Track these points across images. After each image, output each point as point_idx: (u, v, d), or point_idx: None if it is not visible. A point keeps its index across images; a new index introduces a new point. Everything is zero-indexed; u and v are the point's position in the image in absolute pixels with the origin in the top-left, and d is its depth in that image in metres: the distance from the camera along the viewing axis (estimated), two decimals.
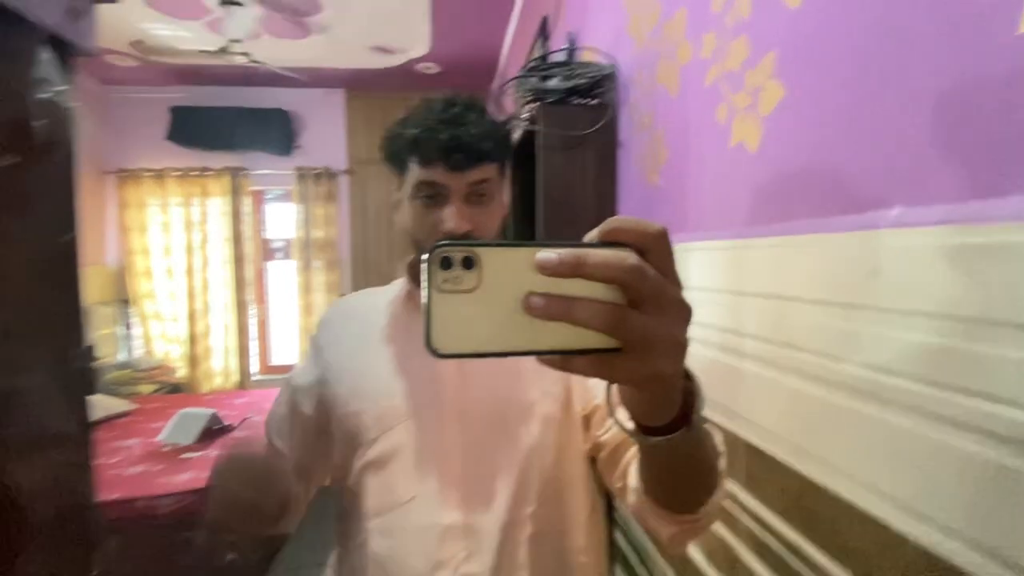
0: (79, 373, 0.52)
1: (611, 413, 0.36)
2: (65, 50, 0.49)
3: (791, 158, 0.69)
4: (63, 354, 0.49)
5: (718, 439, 0.47)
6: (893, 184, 0.53)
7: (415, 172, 0.63)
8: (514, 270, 0.26)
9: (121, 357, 3.63)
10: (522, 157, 1.71)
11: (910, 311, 0.51)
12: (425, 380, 0.66)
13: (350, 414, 0.67)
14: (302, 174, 3.99)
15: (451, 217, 0.61)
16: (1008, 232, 0.42)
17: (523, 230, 1.72)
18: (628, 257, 0.26)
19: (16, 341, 0.42)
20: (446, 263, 0.26)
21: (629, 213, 1.33)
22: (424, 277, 0.26)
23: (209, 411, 2.60)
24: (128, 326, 3.75)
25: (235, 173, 3.92)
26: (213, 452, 2.38)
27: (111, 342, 3.56)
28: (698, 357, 0.94)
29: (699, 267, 0.93)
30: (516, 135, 1.60)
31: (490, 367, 0.66)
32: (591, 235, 0.28)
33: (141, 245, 3.74)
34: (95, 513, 0.48)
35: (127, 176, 3.72)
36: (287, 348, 4.14)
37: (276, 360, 4.20)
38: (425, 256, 0.26)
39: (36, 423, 0.42)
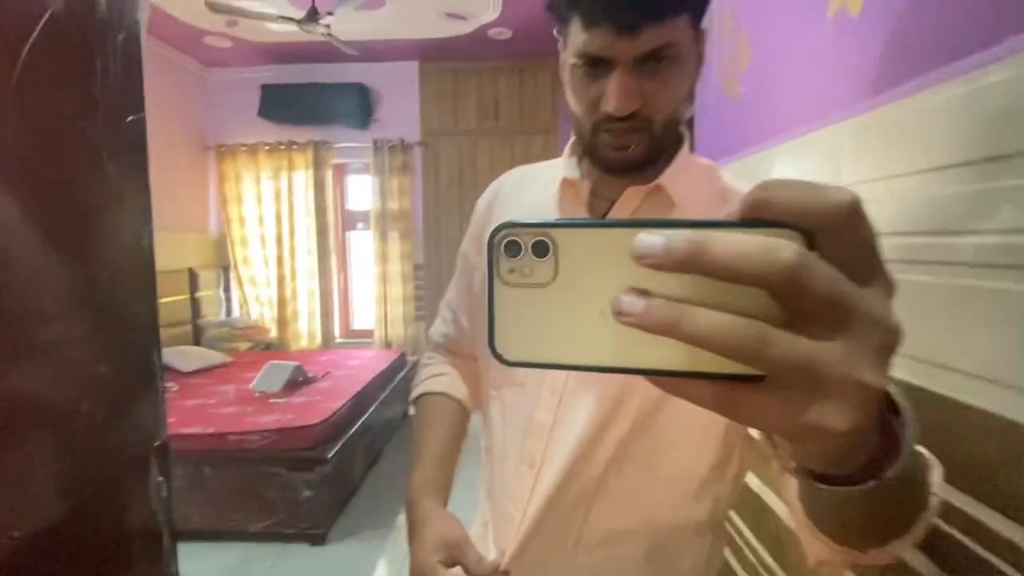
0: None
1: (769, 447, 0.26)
2: None
3: (900, 11, 0.57)
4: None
5: (935, 475, 0.34)
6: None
7: (576, 32, 0.49)
8: (603, 259, 0.19)
9: (221, 316, 4.00)
10: None
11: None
12: None
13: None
14: (378, 146, 4.12)
15: (615, 93, 0.47)
16: None
17: None
18: (783, 248, 0.16)
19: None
20: (514, 249, 0.20)
21: (711, 134, 1.21)
22: (487, 265, 0.21)
23: (294, 364, 2.79)
24: (227, 289, 4.12)
25: (318, 147, 4.14)
26: (297, 399, 2.56)
27: (213, 303, 3.93)
28: None
29: (790, 169, 0.81)
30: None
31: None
32: (732, 209, 0.19)
33: (237, 215, 4.08)
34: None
35: (225, 151, 4.05)
36: (366, 313, 4.35)
37: (356, 324, 4.44)
38: (488, 237, 0.20)
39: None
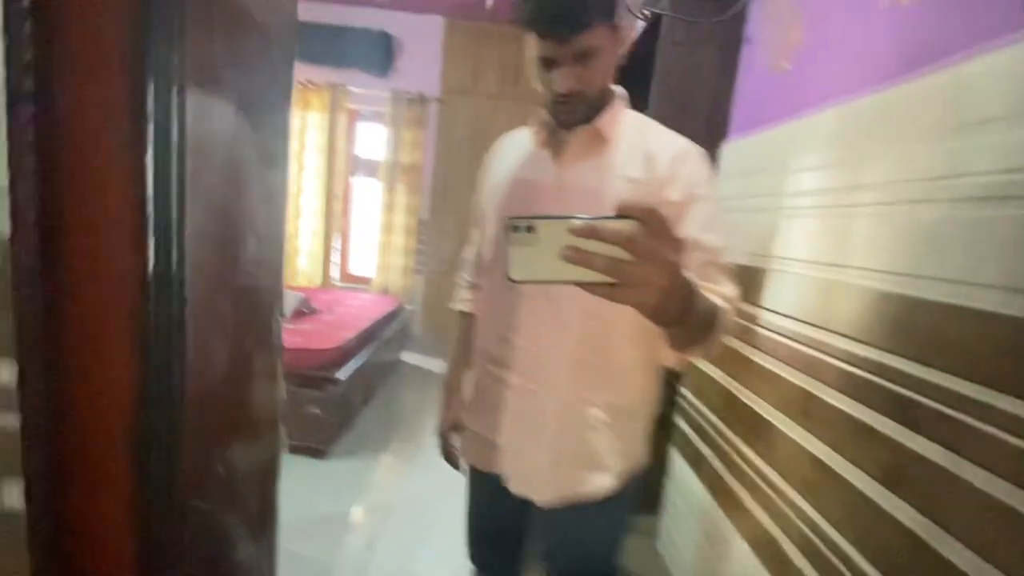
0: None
1: None
2: None
3: (943, 2, 0.71)
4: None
5: (727, 319, 0.67)
6: None
7: (531, 40, 0.73)
8: (558, 233, 0.42)
9: None
10: (637, 59, 1.74)
11: None
12: (531, 192, 0.82)
13: (489, 211, 0.88)
14: (396, 97, 4.14)
15: (560, 80, 0.72)
16: None
17: None
18: (625, 228, 0.41)
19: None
20: (519, 228, 0.43)
21: (749, 106, 1.35)
22: (505, 236, 0.43)
23: (300, 295, 2.87)
24: None
25: (336, 89, 4.13)
26: (303, 326, 2.65)
27: None
28: (806, 221, 0.99)
29: (827, 132, 0.96)
30: (635, 32, 1.62)
31: (571, 204, 0.78)
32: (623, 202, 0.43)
33: None
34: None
35: None
36: (365, 260, 4.41)
37: (354, 270, 4.50)
38: (506, 223, 0.43)
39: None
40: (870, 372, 0.77)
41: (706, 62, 1.40)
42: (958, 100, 0.68)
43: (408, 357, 3.96)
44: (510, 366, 0.82)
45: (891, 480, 0.71)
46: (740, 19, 1.36)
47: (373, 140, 4.41)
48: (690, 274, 0.49)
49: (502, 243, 0.82)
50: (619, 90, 0.80)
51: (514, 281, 0.44)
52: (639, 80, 1.60)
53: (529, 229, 0.43)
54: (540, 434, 0.80)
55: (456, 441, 0.98)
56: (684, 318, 0.51)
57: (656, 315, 0.48)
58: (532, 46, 0.72)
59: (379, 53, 4.06)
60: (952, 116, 0.68)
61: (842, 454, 0.81)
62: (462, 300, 1.02)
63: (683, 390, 1.53)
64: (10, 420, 0.33)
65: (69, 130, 0.30)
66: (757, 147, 1.26)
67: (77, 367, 0.32)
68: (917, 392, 0.68)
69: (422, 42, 4.13)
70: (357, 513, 2.02)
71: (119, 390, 0.33)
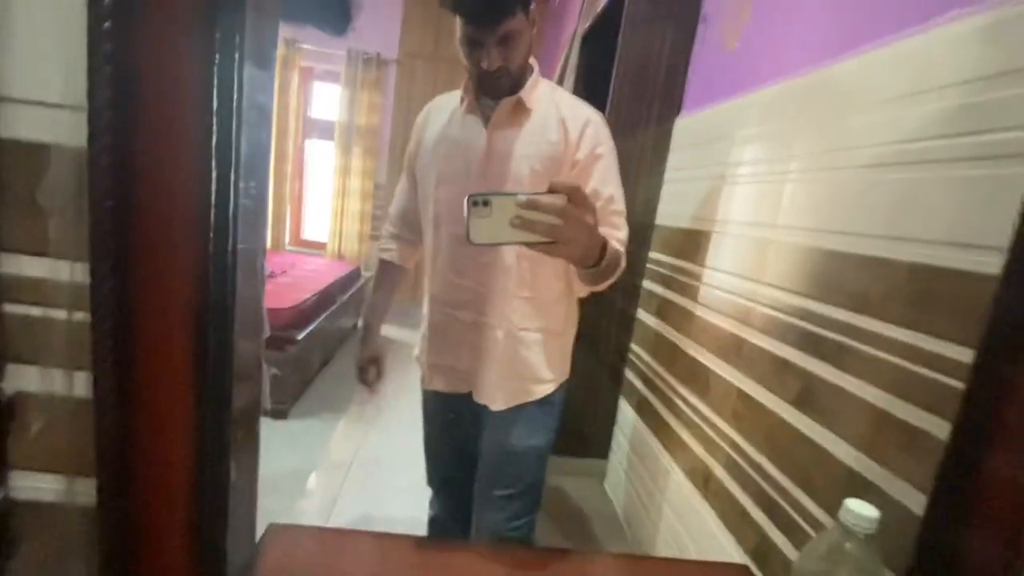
0: None
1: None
2: None
3: None
4: None
5: (623, 263, 0.88)
6: None
7: (461, 24, 0.83)
8: (508, 205, 0.56)
9: None
10: (601, 35, 1.81)
11: (945, 85, 0.66)
12: (465, 154, 0.94)
13: (426, 172, 1.00)
14: (353, 57, 4.02)
15: (486, 58, 0.84)
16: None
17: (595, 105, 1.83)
18: (558, 201, 0.58)
19: None
20: (477, 202, 0.56)
21: (701, 82, 1.46)
22: (466, 208, 0.56)
23: None
24: None
25: (288, 44, 3.95)
26: None
27: None
28: (745, 188, 1.12)
29: (768, 107, 1.08)
30: (601, 7, 1.69)
31: (501, 162, 0.92)
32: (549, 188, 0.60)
33: None
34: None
35: None
36: (318, 225, 4.32)
37: (307, 235, 4.40)
38: (467, 198, 0.56)
39: None
40: (791, 315, 0.91)
41: (665, 38, 1.49)
42: (872, 79, 0.80)
43: None
44: (464, 306, 0.98)
45: (801, 402, 0.85)
46: None
47: (328, 101, 4.27)
48: (602, 229, 0.70)
49: (444, 202, 0.96)
50: (533, 63, 0.94)
51: (474, 244, 0.57)
52: (604, 53, 1.68)
53: (485, 203, 0.56)
54: (493, 356, 0.97)
55: (372, 372, 1.18)
56: (598, 263, 0.72)
57: (581, 263, 0.70)
58: (459, 28, 0.83)
59: (336, 10, 3.90)
60: (864, 93, 0.80)
61: (764, 385, 0.96)
62: (386, 250, 1.14)
63: (633, 345, 1.66)
64: (82, 317, 0.38)
65: (144, 68, 0.35)
66: (707, 121, 1.38)
67: (142, 272, 0.37)
68: (825, 328, 0.82)
69: (381, 2, 4.00)
70: (317, 471, 2.07)
71: (180, 295, 0.38)
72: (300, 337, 2.33)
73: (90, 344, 0.38)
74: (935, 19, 0.70)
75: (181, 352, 0.39)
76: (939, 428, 0.61)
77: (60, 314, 0.39)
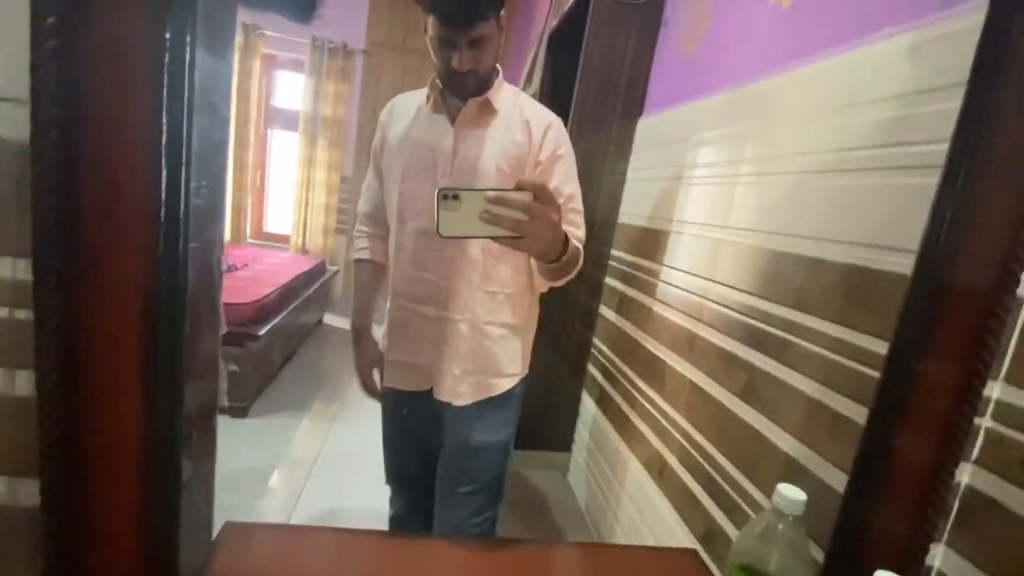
0: None
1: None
2: None
3: (814, 7, 0.88)
4: None
5: (580, 260, 0.88)
6: (882, 14, 0.73)
7: (434, 24, 0.85)
8: (477, 200, 0.58)
9: None
10: (568, 35, 1.83)
11: (876, 99, 0.71)
12: (433, 152, 0.95)
13: (391, 168, 1.00)
14: (318, 45, 3.92)
15: (457, 59, 0.86)
16: (944, 26, 0.62)
17: (558, 102, 1.86)
18: (526, 198, 0.60)
19: None
20: (448, 196, 0.57)
21: (661, 86, 1.50)
22: (436, 201, 0.57)
23: None
24: None
25: (248, 30, 3.82)
26: None
27: None
28: (704, 191, 1.16)
29: (722, 113, 1.12)
30: (567, 7, 1.71)
31: (467, 160, 0.93)
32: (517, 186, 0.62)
33: None
34: None
35: None
36: (281, 218, 4.21)
37: (270, 227, 4.28)
38: (437, 192, 0.57)
39: None
40: (738, 312, 0.96)
41: (628, 41, 1.53)
42: (815, 91, 0.85)
43: (330, 320, 3.90)
44: (427, 300, 0.98)
45: (746, 394, 0.90)
46: (659, 4, 1.49)
47: (293, 90, 4.15)
48: (564, 227, 0.71)
49: (409, 197, 0.97)
50: (498, 67, 0.97)
51: (443, 236, 0.59)
52: (571, 52, 1.70)
53: (455, 197, 0.58)
54: (456, 350, 0.98)
55: (375, 378, 1.11)
56: (559, 259, 0.75)
57: (544, 257, 0.74)
58: (432, 27, 0.85)
59: None
60: (808, 103, 0.85)
61: (714, 378, 1.00)
62: (362, 249, 1.13)
63: (595, 340, 1.71)
64: (24, 315, 0.37)
65: (91, 61, 0.34)
66: (665, 124, 1.42)
67: (88, 270, 0.37)
68: (769, 324, 0.87)
69: None
70: (280, 469, 2.03)
71: (128, 294, 0.38)
72: (261, 333, 2.28)
73: (33, 343, 0.37)
74: (869, 36, 0.75)
75: (129, 352, 0.39)
76: (862, 416, 0.66)
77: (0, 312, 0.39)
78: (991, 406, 0.53)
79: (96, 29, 0.36)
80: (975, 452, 0.54)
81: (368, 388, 1.12)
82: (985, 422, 0.54)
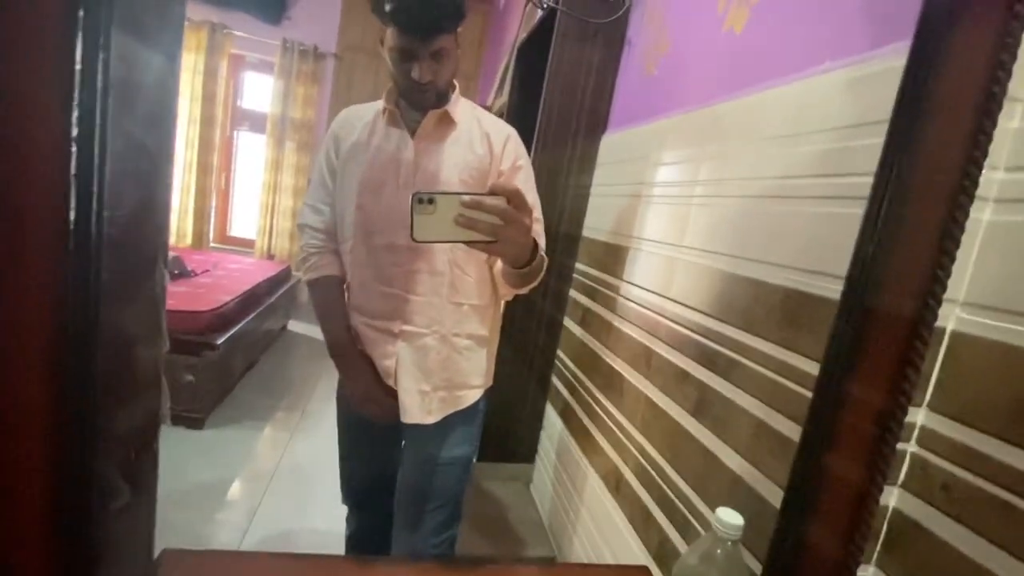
0: None
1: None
2: None
3: (764, 35, 0.91)
4: None
5: (544, 267, 0.87)
6: (823, 48, 0.76)
7: (393, 34, 0.84)
8: (452, 204, 0.59)
9: None
10: (536, 47, 1.85)
11: (816, 130, 0.74)
12: (393, 164, 0.94)
13: (346, 181, 0.98)
14: (288, 47, 3.86)
15: (418, 71, 0.86)
16: (876, 64, 0.65)
17: (526, 113, 1.87)
18: (500, 202, 0.61)
19: None
20: (422, 200, 0.58)
21: (624, 103, 1.52)
22: (411, 205, 0.58)
23: (173, 255, 2.64)
24: None
25: (215, 29, 3.73)
26: (177, 289, 2.45)
27: None
28: (666, 207, 1.18)
29: (679, 133, 1.15)
30: (535, 21, 1.72)
31: (429, 172, 0.93)
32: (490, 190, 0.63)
33: None
34: None
35: None
36: (246, 222, 4.11)
37: (234, 231, 4.17)
38: (412, 196, 0.58)
39: None
40: (691, 330, 0.98)
41: (592, 58, 1.55)
42: (762, 118, 0.87)
43: (295, 326, 3.81)
44: (392, 315, 0.96)
45: (697, 411, 0.92)
46: (624, 22, 1.52)
47: (261, 92, 4.07)
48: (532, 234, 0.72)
49: (370, 211, 0.94)
50: (454, 81, 0.97)
51: (417, 241, 0.59)
52: (539, 65, 1.71)
53: (430, 201, 0.58)
54: (426, 366, 0.96)
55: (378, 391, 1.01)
56: (530, 263, 0.77)
57: (515, 261, 0.75)
58: (392, 38, 0.85)
59: None
60: (756, 130, 0.88)
61: (668, 395, 1.02)
62: (323, 266, 1.03)
63: (560, 352, 1.71)
64: None
65: None
66: (627, 141, 1.45)
67: None
68: (719, 343, 0.88)
69: None
70: (237, 482, 1.97)
71: (32, 326, 0.36)
72: (219, 342, 2.21)
73: None
74: (811, 68, 0.78)
75: (35, 383, 0.37)
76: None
77: None
78: (916, 432, 0.55)
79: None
80: (901, 476, 0.56)
81: (375, 413, 1.00)
82: (911, 447, 0.56)
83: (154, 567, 0.71)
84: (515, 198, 0.62)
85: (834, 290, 0.65)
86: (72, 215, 0.36)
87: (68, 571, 0.44)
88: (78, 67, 0.35)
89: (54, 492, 0.40)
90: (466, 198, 0.59)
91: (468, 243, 0.62)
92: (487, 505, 1.72)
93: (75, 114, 0.35)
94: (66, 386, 0.39)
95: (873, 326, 0.51)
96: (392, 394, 0.97)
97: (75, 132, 0.35)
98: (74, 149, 0.36)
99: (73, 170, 0.36)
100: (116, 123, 0.39)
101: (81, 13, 0.34)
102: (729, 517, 0.58)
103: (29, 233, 0.35)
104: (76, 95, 0.35)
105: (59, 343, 0.37)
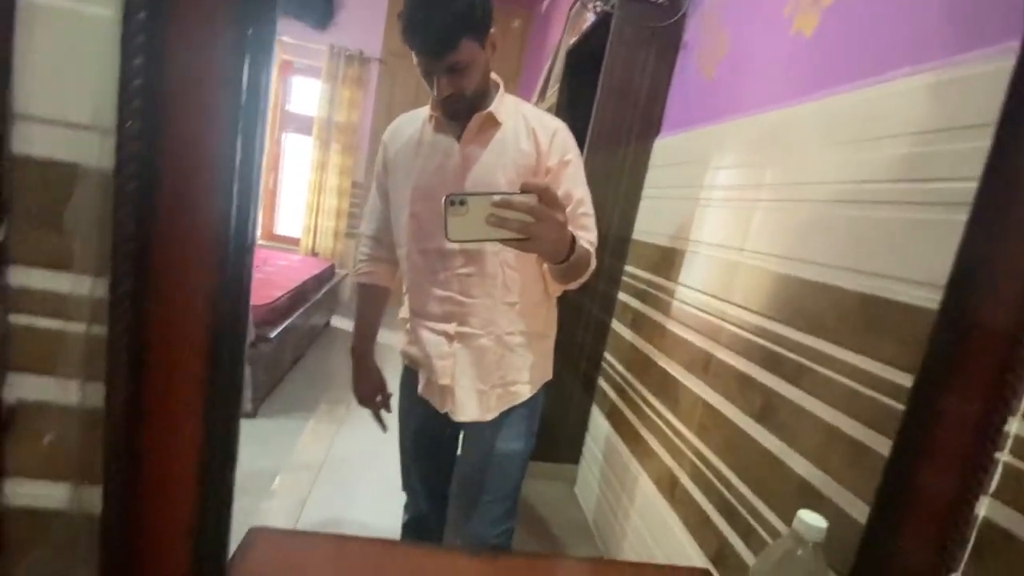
0: None
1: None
2: None
3: (837, 39, 0.90)
4: None
5: (593, 262, 0.93)
6: (902, 52, 0.75)
7: (414, 53, 0.86)
8: (484, 204, 0.60)
9: None
10: (588, 50, 1.86)
11: (897, 134, 0.73)
12: (438, 175, 0.96)
13: (398, 190, 1.02)
14: (335, 52, 3.98)
15: (437, 88, 0.88)
16: (963, 69, 0.64)
17: (576, 116, 1.89)
18: (531, 200, 0.62)
19: None
20: (455, 202, 0.59)
21: (680, 107, 1.52)
22: (444, 207, 0.59)
23: None
24: None
25: None
26: None
27: None
28: (720, 211, 1.18)
29: (742, 137, 1.14)
30: (587, 26, 1.74)
31: (477, 174, 0.94)
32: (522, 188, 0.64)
33: None
34: None
35: None
36: (291, 221, 4.25)
37: (280, 230, 4.32)
38: (444, 198, 0.60)
39: None
40: (755, 335, 0.97)
41: (648, 61, 1.55)
42: (836, 122, 0.87)
43: (338, 322, 3.92)
44: (448, 318, 0.99)
45: (762, 416, 0.92)
46: (680, 26, 1.52)
47: (307, 96, 4.21)
48: (570, 228, 0.74)
49: (423, 217, 0.97)
50: (497, 78, 0.97)
51: (452, 241, 0.62)
52: (589, 69, 1.73)
53: (462, 203, 0.60)
54: (482, 366, 0.99)
55: (379, 404, 1.14)
56: (568, 259, 0.77)
57: (552, 258, 0.76)
58: (414, 56, 0.86)
59: (318, 4, 3.85)
60: (829, 134, 0.87)
61: (730, 400, 1.02)
62: (368, 273, 1.12)
63: (607, 355, 1.72)
64: (99, 330, 0.39)
65: (172, 96, 0.37)
66: (683, 144, 1.44)
67: (159, 293, 0.39)
68: (785, 348, 0.88)
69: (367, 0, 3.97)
70: (287, 472, 2.05)
71: (194, 315, 0.40)
72: (272, 335, 2.30)
73: (105, 357, 0.39)
74: (890, 72, 0.77)
75: (193, 370, 0.41)
76: (881, 444, 0.68)
77: (78, 327, 0.41)
78: (1010, 441, 0.55)
79: (177, 66, 0.39)
80: (993, 485, 0.56)
81: (375, 414, 1.15)
82: (1004, 456, 0.55)
83: (241, 546, 0.75)
84: (546, 195, 0.63)
85: (915, 295, 0.65)
86: (233, 224, 0.40)
87: (206, 545, 0.48)
88: (243, 97, 0.39)
89: (200, 474, 0.44)
90: (496, 198, 0.60)
91: (502, 241, 0.63)
92: (532, 504, 1.74)
93: (240, 139, 0.39)
94: (216, 375, 0.42)
95: (973, 336, 0.51)
96: (450, 396, 1.01)
97: (239, 157, 0.39)
98: (237, 165, 0.40)
99: (236, 186, 0.39)
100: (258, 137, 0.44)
101: (250, 32, 0.38)
102: (812, 519, 0.58)
103: (205, 242, 0.39)
104: (240, 121, 0.39)
105: (216, 329, 0.41)
